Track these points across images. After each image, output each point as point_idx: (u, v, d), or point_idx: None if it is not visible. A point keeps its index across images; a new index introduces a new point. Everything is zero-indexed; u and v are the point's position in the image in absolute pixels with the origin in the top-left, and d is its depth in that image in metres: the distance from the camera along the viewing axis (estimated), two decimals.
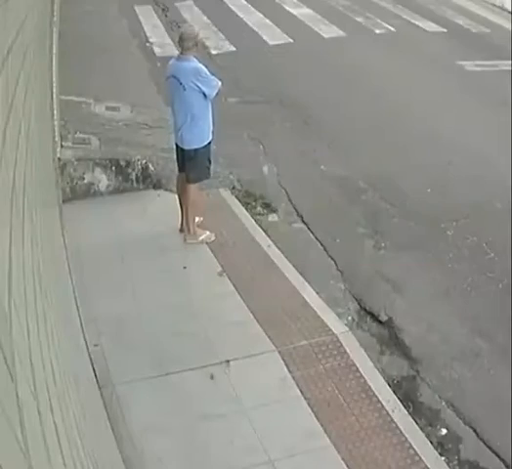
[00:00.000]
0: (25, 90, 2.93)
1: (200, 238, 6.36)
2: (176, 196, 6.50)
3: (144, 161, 7.33)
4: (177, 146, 6.25)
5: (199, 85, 5.85)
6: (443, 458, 4.52)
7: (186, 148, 6.13)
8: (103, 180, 7.04)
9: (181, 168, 6.31)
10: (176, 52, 10.92)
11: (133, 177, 7.21)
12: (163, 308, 5.53)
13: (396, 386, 5.05)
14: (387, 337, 5.57)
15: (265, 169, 7.89)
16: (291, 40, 11.67)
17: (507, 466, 4.53)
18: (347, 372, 4.99)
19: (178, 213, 6.44)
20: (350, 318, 5.73)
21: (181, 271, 6.01)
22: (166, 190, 7.19)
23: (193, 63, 5.92)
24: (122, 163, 7.07)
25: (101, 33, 10.92)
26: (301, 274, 6.06)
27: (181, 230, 6.43)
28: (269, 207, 7.21)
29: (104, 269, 5.93)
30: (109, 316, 5.37)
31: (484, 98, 9.93)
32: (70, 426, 2.22)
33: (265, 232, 6.68)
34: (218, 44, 11.37)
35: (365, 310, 5.84)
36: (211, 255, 6.22)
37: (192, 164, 6.17)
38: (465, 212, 7.10)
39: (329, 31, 12.18)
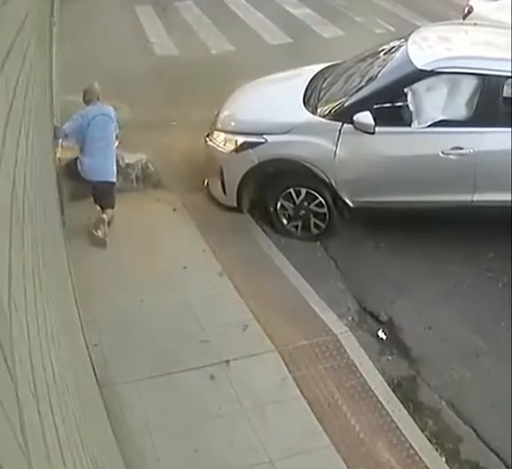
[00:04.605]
0: (25, 90, 2.93)
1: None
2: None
3: (144, 161, 7.32)
4: None
5: None
6: (443, 458, 4.52)
7: None
8: None
9: None
10: (176, 52, 11.01)
11: (133, 177, 7.20)
12: (163, 307, 5.53)
13: (396, 386, 5.05)
14: (387, 337, 5.57)
15: None
16: (291, 40, 11.66)
17: (507, 466, 4.52)
18: (347, 372, 4.99)
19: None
20: (350, 318, 5.73)
21: (181, 270, 6.01)
22: (166, 189, 7.20)
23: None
24: (122, 163, 7.06)
25: (101, 33, 10.92)
26: (301, 274, 6.07)
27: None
28: None
29: (103, 267, 5.94)
30: (109, 315, 5.38)
31: None
32: (70, 426, 2.22)
33: (265, 232, 6.68)
34: (218, 44, 11.37)
35: (365, 310, 5.85)
36: (211, 255, 6.22)
37: None
38: None
39: (329, 31, 12.18)
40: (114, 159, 6.52)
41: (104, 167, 6.41)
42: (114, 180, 6.48)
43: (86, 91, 6.54)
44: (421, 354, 5.40)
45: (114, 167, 6.50)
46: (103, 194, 6.45)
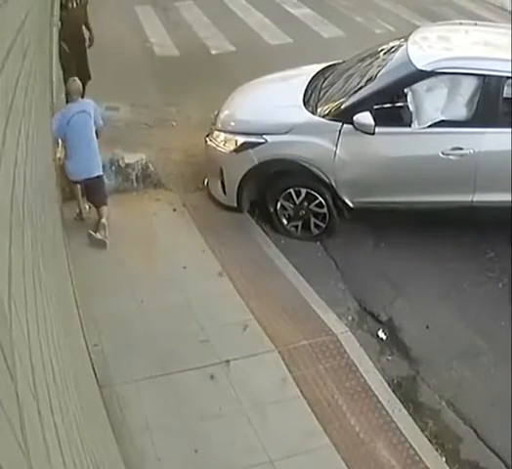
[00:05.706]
0: (25, 90, 2.93)
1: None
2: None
3: (144, 161, 7.33)
4: None
5: None
6: (443, 458, 4.52)
7: None
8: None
9: None
10: (176, 52, 11.01)
11: (133, 177, 7.21)
12: (163, 307, 5.53)
13: (396, 386, 5.05)
14: (387, 337, 5.57)
15: None
16: (291, 40, 11.66)
17: (507, 466, 4.53)
18: (347, 372, 4.99)
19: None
20: (350, 318, 5.73)
21: (181, 270, 6.01)
22: (166, 189, 7.20)
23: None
24: (122, 163, 7.07)
25: (101, 33, 10.92)
26: (301, 274, 6.07)
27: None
28: None
29: (103, 267, 5.94)
30: (109, 315, 5.38)
31: None
32: (70, 426, 2.22)
33: (265, 232, 6.68)
34: (218, 44, 11.37)
35: (365, 310, 5.85)
36: (211, 255, 6.22)
37: None
38: None
39: (329, 31, 12.18)
40: (97, 154, 6.40)
41: (86, 165, 6.33)
42: (100, 173, 6.41)
43: (68, 89, 6.49)
44: (421, 354, 5.40)
45: (98, 161, 6.40)
46: (92, 190, 6.41)
